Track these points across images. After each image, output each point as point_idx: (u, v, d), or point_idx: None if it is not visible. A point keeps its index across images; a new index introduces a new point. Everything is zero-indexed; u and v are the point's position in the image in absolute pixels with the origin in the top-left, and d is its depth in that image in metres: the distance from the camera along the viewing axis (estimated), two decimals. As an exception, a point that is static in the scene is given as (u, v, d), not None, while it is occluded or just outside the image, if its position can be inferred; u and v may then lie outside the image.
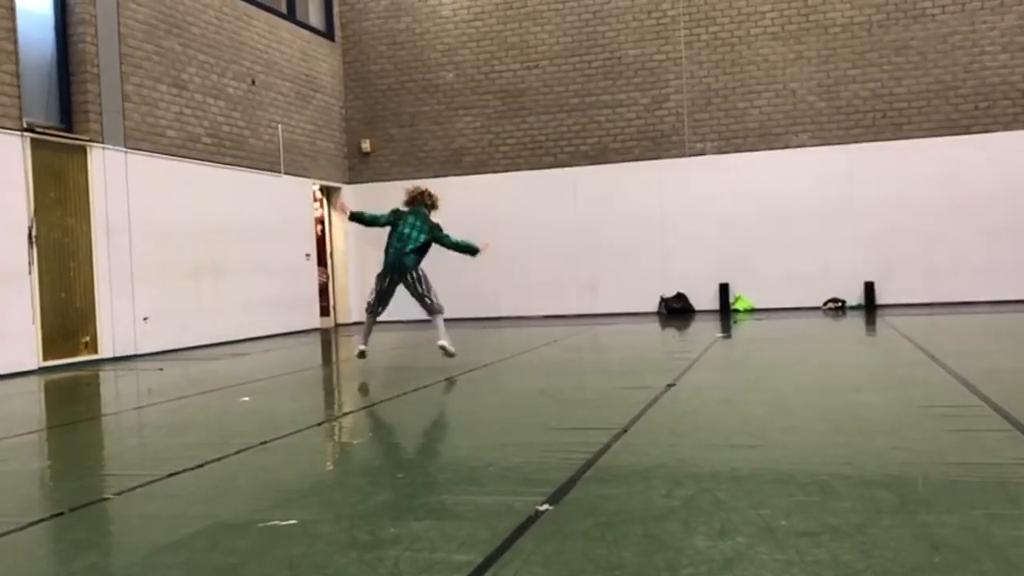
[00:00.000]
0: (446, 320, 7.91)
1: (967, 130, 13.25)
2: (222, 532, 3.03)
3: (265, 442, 4.57)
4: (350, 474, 4.10)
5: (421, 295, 7.72)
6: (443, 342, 7.68)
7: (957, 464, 3.46)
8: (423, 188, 8.07)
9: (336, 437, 5.03)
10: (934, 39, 13.38)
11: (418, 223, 7.76)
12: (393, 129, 15.73)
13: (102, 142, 10.36)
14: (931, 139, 13.36)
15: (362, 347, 8.16)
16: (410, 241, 7.67)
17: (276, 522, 3.08)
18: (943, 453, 3.68)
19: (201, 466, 4.07)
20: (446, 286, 15.33)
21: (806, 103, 13.91)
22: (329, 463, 4.42)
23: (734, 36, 14.18)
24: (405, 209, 7.96)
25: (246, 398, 6.48)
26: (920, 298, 13.38)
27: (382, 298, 7.88)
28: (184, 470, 3.99)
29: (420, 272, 7.74)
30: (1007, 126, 13.11)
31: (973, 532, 2.63)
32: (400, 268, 7.65)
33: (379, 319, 8.18)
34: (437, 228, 7.86)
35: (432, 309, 7.76)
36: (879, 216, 13.47)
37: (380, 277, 7.90)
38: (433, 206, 8.00)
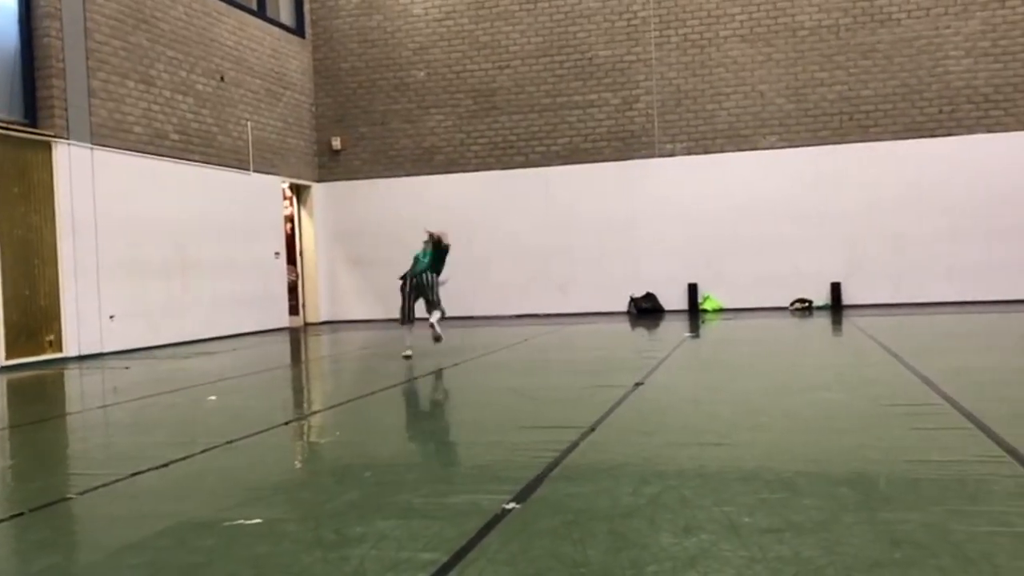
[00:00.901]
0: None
1: (932, 133, 13.44)
2: (187, 531, 3.01)
3: (232, 441, 4.53)
4: (317, 473, 4.08)
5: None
6: (434, 321, 8.82)
7: (918, 462, 3.52)
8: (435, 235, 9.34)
9: (303, 436, 5.01)
10: (900, 43, 13.56)
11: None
12: (364, 127, 15.68)
13: (67, 138, 10.22)
14: (896, 142, 13.54)
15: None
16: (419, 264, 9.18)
17: (241, 521, 3.06)
18: (905, 451, 3.74)
19: (166, 465, 4.04)
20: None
21: (774, 105, 14.04)
22: (296, 462, 4.40)
23: (703, 38, 14.28)
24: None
25: (213, 397, 6.43)
26: (886, 299, 13.55)
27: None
28: (149, 469, 3.95)
29: (431, 278, 9.07)
30: (970, 129, 13.31)
31: (932, 528, 2.67)
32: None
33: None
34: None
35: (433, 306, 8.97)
36: (846, 217, 13.63)
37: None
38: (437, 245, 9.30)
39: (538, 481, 3.45)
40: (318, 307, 15.65)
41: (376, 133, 15.62)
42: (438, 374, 7.22)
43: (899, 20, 13.56)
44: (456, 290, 15.12)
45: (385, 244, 15.49)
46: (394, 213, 15.37)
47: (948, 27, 13.39)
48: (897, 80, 13.56)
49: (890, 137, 13.58)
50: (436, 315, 8.89)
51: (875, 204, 13.55)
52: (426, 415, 5.43)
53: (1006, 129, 13.19)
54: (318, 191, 15.75)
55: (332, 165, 15.82)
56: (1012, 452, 3.57)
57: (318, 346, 11.65)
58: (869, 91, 13.67)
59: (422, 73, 15.38)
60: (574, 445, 4.09)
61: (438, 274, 9.17)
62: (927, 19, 13.45)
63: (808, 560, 2.43)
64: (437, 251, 9.24)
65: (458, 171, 15.25)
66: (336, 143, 15.72)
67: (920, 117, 13.50)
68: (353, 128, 15.71)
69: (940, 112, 13.42)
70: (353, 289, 15.72)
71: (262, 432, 4.84)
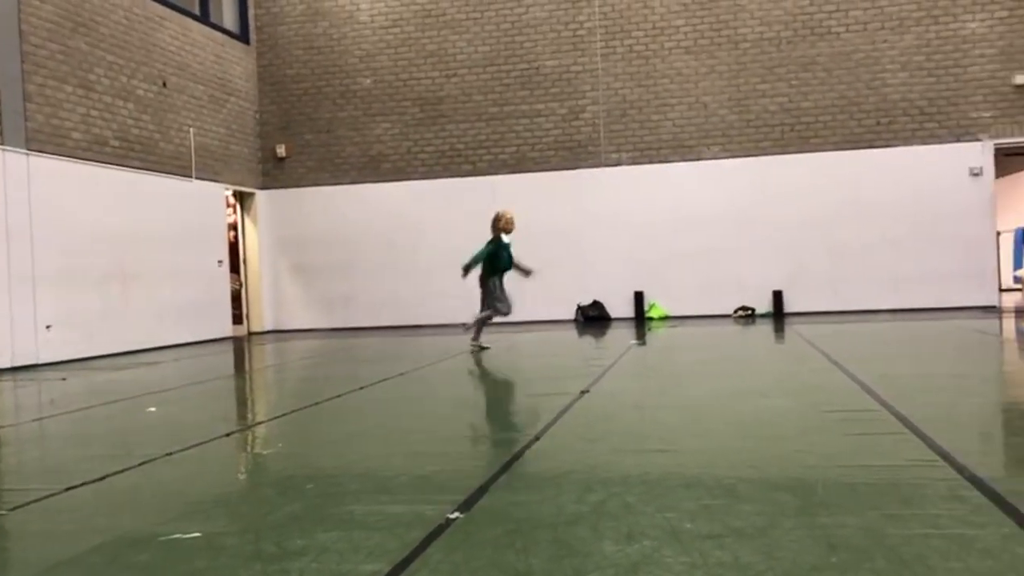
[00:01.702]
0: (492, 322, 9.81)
1: (870, 144, 13.78)
2: (122, 546, 2.94)
3: (171, 453, 4.45)
4: (258, 485, 4.02)
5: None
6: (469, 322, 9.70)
7: (855, 466, 3.59)
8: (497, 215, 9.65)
9: (245, 448, 4.93)
10: (838, 56, 13.88)
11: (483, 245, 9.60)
12: (309, 134, 15.55)
13: (1, 144, 9.96)
14: (836, 152, 13.85)
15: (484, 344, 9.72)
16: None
17: (179, 535, 3.00)
18: (843, 456, 3.81)
19: (102, 479, 3.94)
20: (364, 294, 15.24)
21: (718, 116, 14.25)
22: (236, 474, 4.32)
23: (648, 49, 14.45)
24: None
25: (152, 408, 6.30)
26: (826, 306, 13.83)
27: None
28: (84, 483, 3.86)
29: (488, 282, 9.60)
30: (906, 141, 13.67)
31: (868, 532, 2.72)
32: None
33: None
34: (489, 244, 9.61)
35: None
36: (787, 227, 13.89)
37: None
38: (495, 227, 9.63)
39: (483, 490, 3.44)
40: (262, 316, 15.46)
41: (321, 140, 15.50)
42: (384, 384, 7.17)
43: (838, 34, 13.88)
44: (403, 299, 15.13)
45: (330, 252, 15.39)
46: (340, 221, 15.28)
47: (885, 41, 13.75)
48: (836, 92, 13.88)
49: (830, 148, 13.88)
50: (483, 315, 9.39)
51: (815, 214, 13.83)
52: (371, 425, 5.39)
53: (940, 141, 13.57)
54: (262, 198, 15.58)
55: (277, 172, 15.65)
56: (944, 456, 3.66)
57: (262, 356, 11.49)
58: (809, 103, 13.96)
59: (368, 81, 15.31)
60: (519, 454, 4.10)
61: (499, 272, 9.34)
62: (865, 33, 13.79)
63: (748, 565, 2.46)
64: (493, 242, 9.32)
65: (405, 179, 15.21)
66: (281, 150, 15.56)
67: (858, 128, 13.83)
68: (298, 135, 15.57)
69: (878, 124, 13.76)
70: (298, 298, 15.56)
71: (202, 444, 4.75)
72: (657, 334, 11.71)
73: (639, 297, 14.46)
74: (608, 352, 9.51)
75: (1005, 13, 13.45)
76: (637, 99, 14.51)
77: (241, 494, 3.84)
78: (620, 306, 14.53)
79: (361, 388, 6.86)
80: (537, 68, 14.82)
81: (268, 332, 15.36)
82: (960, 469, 3.42)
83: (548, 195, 14.67)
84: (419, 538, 2.84)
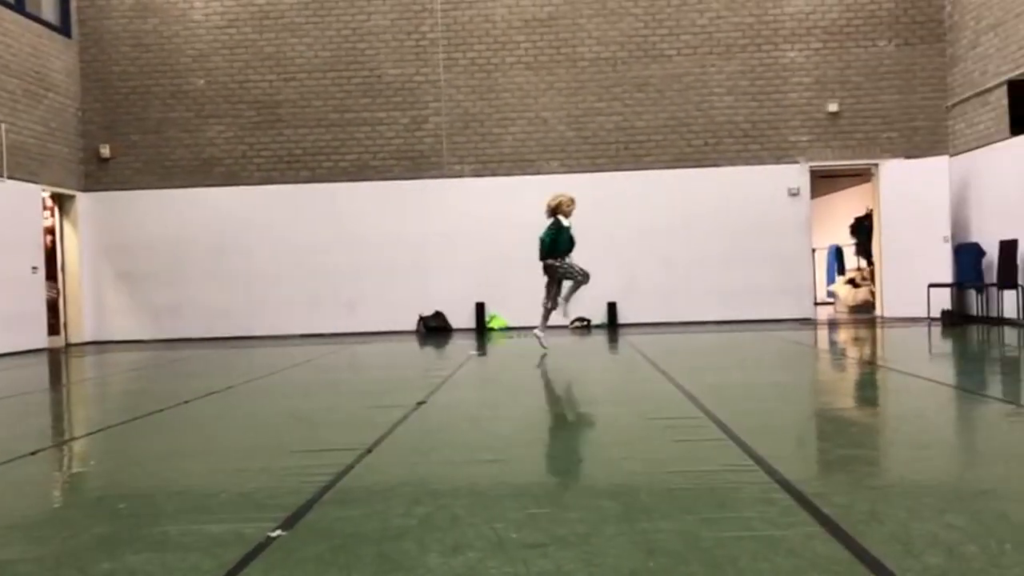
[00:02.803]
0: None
1: (699, 163, 14.44)
2: None
3: (-35, 475, 4.08)
4: (65, 507, 3.75)
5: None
6: (539, 333, 9.78)
7: (676, 472, 3.71)
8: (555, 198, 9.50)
9: (53, 467, 4.60)
10: (670, 78, 14.49)
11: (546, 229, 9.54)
12: (136, 135, 14.79)
13: None
14: (667, 170, 14.43)
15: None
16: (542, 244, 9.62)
17: (-35, 566, 2.75)
18: (665, 462, 3.94)
19: None
20: (194, 304, 14.58)
21: (556, 132, 14.58)
22: (40, 496, 4.01)
23: (490, 63, 14.61)
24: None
25: (-52, 426, 5.78)
26: (657, 317, 14.36)
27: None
28: None
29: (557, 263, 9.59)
30: (732, 161, 14.42)
31: (685, 536, 2.81)
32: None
33: None
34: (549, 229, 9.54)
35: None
36: (621, 241, 14.34)
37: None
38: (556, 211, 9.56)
39: (308, 507, 3.34)
40: (82, 326, 14.54)
41: (150, 141, 14.78)
42: (211, 398, 6.87)
43: (670, 56, 14.49)
44: (236, 309, 14.59)
45: (158, 259, 14.69)
46: (169, 226, 14.61)
47: (713, 66, 14.46)
48: (667, 113, 14.47)
49: (662, 166, 14.45)
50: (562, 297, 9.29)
51: (648, 229, 14.35)
52: (193, 441, 5.14)
53: (762, 162, 14.39)
54: (84, 201, 14.68)
55: (100, 174, 14.79)
56: (759, 461, 3.85)
57: (80, 368, 10.80)
58: (643, 122, 14.50)
59: (201, 81, 14.73)
60: (349, 468, 4.00)
61: (560, 255, 9.23)
62: (695, 57, 14.46)
63: (569, 573, 2.49)
64: (554, 225, 9.12)
65: (240, 184, 14.71)
66: (105, 151, 14.73)
67: (688, 148, 14.47)
68: (124, 136, 14.78)
69: (705, 144, 14.45)
70: (123, 307, 14.73)
71: (3, 464, 4.39)
72: (497, 345, 11.81)
73: (480, 308, 14.55)
74: (448, 363, 9.51)
75: (819, 45, 14.43)
76: (479, 112, 14.64)
77: (44, 517, 3.56)
78: (462, 317, 14.57)
79: (185, 402, 6.55)
80: (379, 76, 14.69)
81: (89, 343, 14.46)
82: (772, 473, 3.60)
83: (390, 205, 14.55)
84: (237, 558, 2.72)
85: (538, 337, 9.82)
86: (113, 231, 14.71)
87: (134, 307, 14.72)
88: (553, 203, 9.59)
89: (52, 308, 14.04)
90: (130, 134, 14.81)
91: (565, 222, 9.62)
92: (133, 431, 5.52)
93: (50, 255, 14.15)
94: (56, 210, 14.47)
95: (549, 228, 9.55)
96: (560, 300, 9.54)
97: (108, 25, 14.84)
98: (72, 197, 14.48)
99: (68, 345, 14.24)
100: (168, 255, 14.65)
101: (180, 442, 5.11)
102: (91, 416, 6.81)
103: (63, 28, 14.49)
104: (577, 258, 14.49)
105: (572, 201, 9.65)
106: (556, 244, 9.51)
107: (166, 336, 14.54)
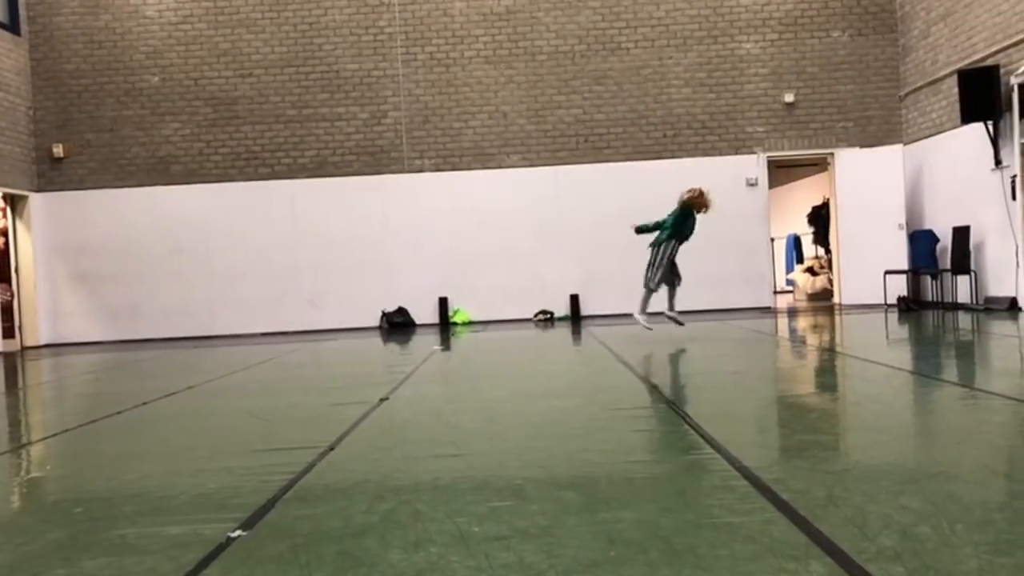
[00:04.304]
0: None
1: (658, 155, 14.53)
2: None
3: (-85, 483, 4.00)
4: (19, 513, 3.69)
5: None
6: (640, 317, 9.91)
7: (636, 462, 3.74)
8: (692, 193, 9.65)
9: (9, 472, 4.51)
10: (628, 71, 14.55)
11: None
12: (90, 134, 14.54)
13: None
14: (627, 163, 14.50)
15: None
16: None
17: (-84, 575, 2.69)
18: (625, 453, 3.96)
19: None
20: (153, 304, 14.39)
21: (516, 125, 14.58)
22: (-4, 502, 3.94)
23: (449, 57, 14.57)
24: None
25: (-102, 434, 5.65)
26: (618, 308, 14.40)
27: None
28: None
29: (655, 252, 9.95)
30: (690, 152, 14.53)
31: (645, 525, 2.84)
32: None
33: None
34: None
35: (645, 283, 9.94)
36: (582, 233, 14.40)
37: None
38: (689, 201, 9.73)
39: (268, 506, 3.31)
40: (37, 329, 14.29)
41: (104, 140, 14.54)
42: (171, 399, 6.79)
43: (628, 49, 14.55)
44: (195, 308, 14.42)
45: (115, 259, 14.49)
46: (125, 226, 14.40)
47: (671, 58, 14.54)
48: (626, 105, 14.54)
49: (621, 158, 14.52)
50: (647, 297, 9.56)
51: (607, 220, 14.39)
52: (150, 443, 5.07)
53: (720, 153, 14.52)
54: (37, 202, 14.42)
55: (53, 174, 14.53)
56: (719, 449, 3.89)
57: (37, 371, 10.61)
58: (602, 115, 14.55)
59: (156, 78, 14.52)
60: (311, 466, 3.98)
61: (683, 237, 9.48)
62: (652, 49, 14.54)
63: (531, 565, 2.50)
64: (682, 213, 9.33)
65: (197, 182, 14.54)
66: (58, 150, 14.47)
67: (647, 140, 14.55)
68: (78, 134, 14.54)
69: (664, 136, 14.54)
70: (79, 308, 14.50)
71: (-45, 471, 4.31)
72: (460, 339, 11.80)
73: (444, 303, 14.53)
74: (411, 358, 9.48)
75: (775, 36, 14.57)
76: (439, 106, 14.59)
77: (-3, 524, 3.49)
78: (425, 312, 14.54)
79: (144, 404, 6.47)
80: (337, 71, 14.59)
81: (44, 346, 14.21)
82: (732, 460, 3.64)
83: (351, 200, 14.48)
84: (196, 559, 2.70)
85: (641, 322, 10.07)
86: (68, 232, 14.46)
87: (91, 308, 14.49)
88: (699, 197, 9.80)
89: (6, 311, 13.78)
90: (84, 133, 14.57)
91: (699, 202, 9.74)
92: (91, 434, 5.43)
93: (3, 257, 13.89)
94: (8, 211, 14.20)
95: (678, 209, 9.82)
96: (665, 310, 9.99)
97: (59, 22, 14.57)
98: (25, 198, 14.22)
99: (24, 348, 13.98)
100: (125, 255, 14.44)
101: (139, 444, 5.04)
102: (48, 420, 6.70)
103: (11, 26, 14.20)
104: (535, 252, 14.61)
105: (711, 203, 9.89)
106: (682, 228, 9.74)
107: (124, 337, 14.34)
